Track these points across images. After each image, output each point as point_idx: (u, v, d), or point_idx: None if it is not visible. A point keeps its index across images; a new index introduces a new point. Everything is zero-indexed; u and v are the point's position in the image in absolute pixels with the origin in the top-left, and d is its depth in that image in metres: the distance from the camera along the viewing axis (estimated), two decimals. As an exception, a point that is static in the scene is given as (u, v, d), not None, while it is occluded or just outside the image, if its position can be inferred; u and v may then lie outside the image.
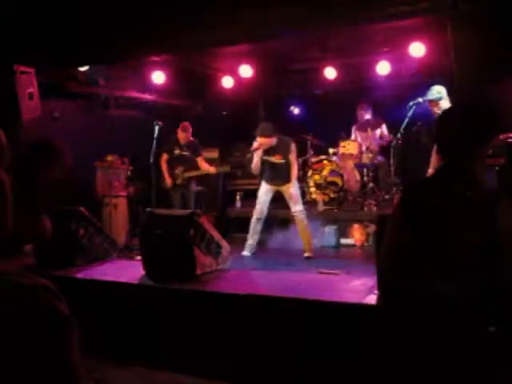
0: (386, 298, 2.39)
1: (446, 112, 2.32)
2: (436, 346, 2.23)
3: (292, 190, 6.21)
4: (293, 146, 6.27)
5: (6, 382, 0.83)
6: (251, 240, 6.29)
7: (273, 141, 6.13)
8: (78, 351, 0.90)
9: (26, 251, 5.85)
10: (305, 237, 6.15)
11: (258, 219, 6.28)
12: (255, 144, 6.13)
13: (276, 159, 6.20)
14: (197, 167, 6.98)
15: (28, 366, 0.84)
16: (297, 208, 6.18)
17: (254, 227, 6.30)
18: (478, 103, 2.42)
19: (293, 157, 6.26)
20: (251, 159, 6.31)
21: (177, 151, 6.89)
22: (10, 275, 0.89)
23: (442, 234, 2.11)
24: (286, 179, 6.24)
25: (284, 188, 6.26)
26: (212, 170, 7.04)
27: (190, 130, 7.01)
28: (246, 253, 6.23)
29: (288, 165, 6.22)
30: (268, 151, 6.21)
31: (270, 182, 6.31)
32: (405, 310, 2.26)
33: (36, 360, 0.85)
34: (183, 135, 6.93)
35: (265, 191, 6.31)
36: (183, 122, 7.02)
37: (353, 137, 7.96)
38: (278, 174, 6.23)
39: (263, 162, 6.22)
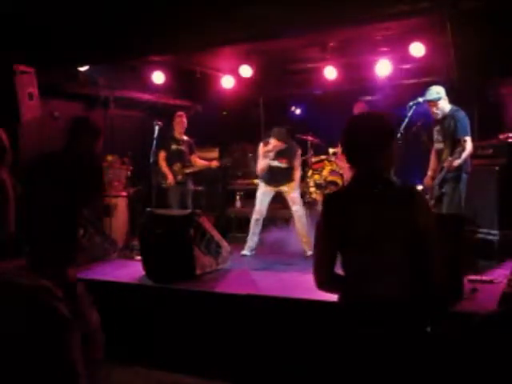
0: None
1: (348, 128, 2.39)
2: (379, 349, 2.26)
3: (294, 194, 6.33)
4: (299, 152, 6.40)
5: (6, 381, 0.83)
6: (251, 241, 6.28)
7: (283, 145, 6.24)
8: (77, 351, 0.90)
9: (27, 251, 5.86)
10: (303, 235, 6.16)
11: (257, 220, 6.29)
12: (270, 146, 6.21)
13: (282, 163, 6.29)
14: (195, 164, 6.94)
15: (28, 365, 0.84)
16: (297, 206, 6.29)
17: (254, 228, 6.31)
18: (373, 114, 2.65)
19: (297, 162, 6.38)
20: (256, 160, 6.37)
21: (174, 146, 6.80)
22: (10, 275, 0.89)
23: (371, 235, 2.20)
24: (286, 181, 6.32)
25: (285, 189, 6.33)
26: (214, 163, 6.95)
27: (184, 116, 6.91)
28: (245, 252, 6.23)
29: (291, 169, 6.32)
30: (274, 155, 6.30)
31: (269, 183, 6.36)
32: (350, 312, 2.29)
33: (36, 359, 0.85)
34: (177, 122, 6.82)
35: (263, 192, 6.35)
36: (179, 112, 6.97)
37: None
38: (279, 177, 6.32)
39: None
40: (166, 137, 6.78)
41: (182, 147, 6.84)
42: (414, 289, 2.19)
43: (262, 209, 6.32)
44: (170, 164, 6.76)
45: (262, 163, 6.34)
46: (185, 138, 6.91)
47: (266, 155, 6.30)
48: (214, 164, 6.96)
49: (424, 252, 2.21)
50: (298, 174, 6.39)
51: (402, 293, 2.18)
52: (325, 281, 2.34)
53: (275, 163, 6.30)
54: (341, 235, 2.26)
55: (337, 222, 2.28)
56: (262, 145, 6.37)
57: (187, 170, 6.83)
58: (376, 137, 2.27)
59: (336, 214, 2.30)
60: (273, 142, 6.22)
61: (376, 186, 2.26)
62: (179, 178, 6.77)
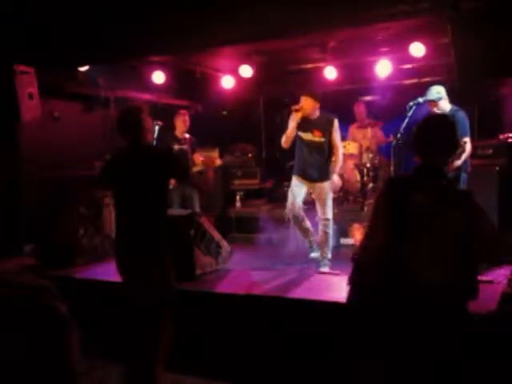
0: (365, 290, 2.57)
1: (424, 122, 2.67)
2: (429, 335, 2.43)
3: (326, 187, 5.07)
4: (336, 123, 5.11)
5: (5, 381, 0.83)
6: (307, 242, 5.38)
7: (316, 110, 5.04)
8: (77, 351, 0.90)
9: (26, 251, 5.87)
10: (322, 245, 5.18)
11: (294, 217, 5.19)
12: (296, 106, 5.05)
13: (314, 137, 5.05)
14: (197, 163, 6.79)
15: (27, 365, 0.84)
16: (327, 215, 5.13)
17: (298, 229, 5.30)
18: (448, 118, 2.85)
19: (337, 137, 5.10)
20: (282, 125, 5.32)
21: (176, 146, 6.66)
22: (10, 275, 0.89)
23: (424, 225, 2.39)
24: (323, 175, 5.07)
25: (317, 186, 5.11)
26: (217, 162, 6.81)
27: (187, 114, 6.81)
28: (313, 255, 5.32)
29: (329, 148, 5.05)
30: (304, 125, 5.06)
31: (302, 174, 5.15)
32: (392, 303, 2.44)
33: (35, 359, 0.85)
34: (181, 121, 6.69)
35: (298, 183, 5.18)
36: (181, 110, 6.87)
37: (350, 136, 7.96)
38: (314, 162, 5.07)
39: (296, 143, 5.13)
40: (167, 137, 6.69)
41: (185, 147, 6.69)
42: (464, 278, 2.39)
43: (294, 205, 5.13)
44: None
45: (288, 128, 5.04)
46: (187, 135, 6.79)
47: (292, 118, 5.04)
48: (218, 162, 6.85)
49: (482, 243, 2.40)
50: (339, 154, 5.11)
51: (454, 281, 2.37)
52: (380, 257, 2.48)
53: (307, 136, 5.05)
54: (400, 220, 2.42)
55: (395, 206, 2.45)
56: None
57: (191, 171, 6.72)
58: (451, 136, 2.56)
59: (395, 199, 2.48)
60: (302, 100, 5.01)
61: (441, 181, 2.48)
62: None
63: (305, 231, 5.28)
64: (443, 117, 3.07)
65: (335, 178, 5.13)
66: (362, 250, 2.58)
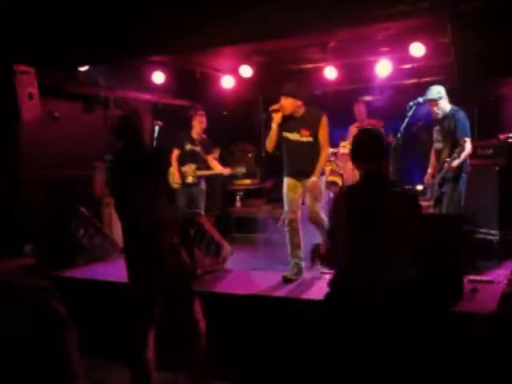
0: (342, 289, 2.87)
1: (355, 137, 3.12)
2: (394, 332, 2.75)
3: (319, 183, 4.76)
4: (324, 120, 4.78)
5: (4, 381, 0.83)
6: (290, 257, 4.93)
7: (298, 108, 4.79)
8: (75, 351, 0.90)
9: (26, 251, 5.87)
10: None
11: (290, 221, 4.83)
12: (275, 106, 4.82)
13: (302, 137, 4.76)
14: (208, 166, 6.63)
15: (26, 365, 0.84)
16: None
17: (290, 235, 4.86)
18: (374, 131, 3.39)
19: (324, 135, 4.75)
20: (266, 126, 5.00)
21: (188, 146, 6.52)
22: (9, 275, 0.89)
23: (372, 222, 2.77)
24: (312, 169, 4.71)
25: (310, 181, 4.72)
26: (226, 171, 6.63)
27: (204, 115, 6.64)
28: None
29: (317, 146, 4.71)
30: (290, 125, 4.82)
31: (293, 173, 4.84)
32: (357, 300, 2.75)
33: (34, 359, 0.85)
34: (198, 121, 6.54)
35: (291, 187, 4.83)
36: (199, 110, 6.67)
37: (350, 137, 7.95)
38: (305, 159, 4.73)
39: (283, 144, 4.86)
40: (181, 135, 6.55)
41: (197, 148, 6.57)
42: (410, 270, 2.75)
43: (291, 208, 4.82)
44: (181, 164, 6.51)
45: (271, 131, 4.80)
46: (203, 136, 6.64)
47: (273, 121, 4.80)
48: (227, 172, 6.62)
49: (418, 238, 2.84)
50: (324, 152, 4.76)
51: (401, 274, 2.72)
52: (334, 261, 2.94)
53: (293, 136, 4.74)
54: (353, 223, 2.81)
55: (352, 212, 2.82)
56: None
57: (200, 173, 6.56)
58: (378, 146, 2.96)
59: (350, 205, 2.85)
60: (281, 101, 4.77)
61: (385, 185, 2.88)
62: (189, 179, 6.48)
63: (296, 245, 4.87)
64: (370, 131, 3.72)
65: (314, 178, 4.66)
66: (328, 253, 2.99)
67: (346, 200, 2.91)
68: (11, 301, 0.88)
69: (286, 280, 4.70)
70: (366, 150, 2.91)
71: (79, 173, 6.71)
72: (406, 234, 2.77)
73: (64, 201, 6.19)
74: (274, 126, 4.79)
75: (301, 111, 4.79)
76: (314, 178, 4.67)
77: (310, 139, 4.74)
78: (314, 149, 4.73)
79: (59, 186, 6.47)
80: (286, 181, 4.86)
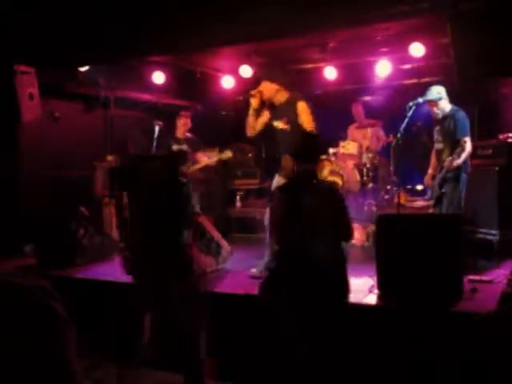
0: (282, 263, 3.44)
1: (303, 139, 3.83)
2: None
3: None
4: (301, 105, 4.49)
5: (4, 381, 0.83)
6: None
7: (278, 93, 4.58)
8: (74, 351, 0.91)
9: (26, 251, 5.87)
10: None
11: None
12: (254, 90, 4.66)
13: (284, 125, 4.53)
14: (196, 162, 6.68)
15: (24, 365, 0.84)
16: None
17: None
18: (313, 135, 4.16)
19: (306, 120, 4.45)
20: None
21: (174, 146, 6.54)
22: (7, 275, 0.90)
23: (306, 215, 3.25)
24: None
25: None
26: (214, 159, 6.61)
27: (189, 116, 6.70)
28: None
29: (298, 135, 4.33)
30: (275, 113, 4.60)
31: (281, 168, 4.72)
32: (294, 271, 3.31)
33: (32, 359, 0.85)
34: (182, 124, 6.60)
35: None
36: (183, 111, 6.77)
37: (349, 137, 7.95)
38: (285, 150, 4.47)
39: (272, 134, 4.70)
40: (168, 136, 6.66)
41: (184, 146, 6.61)
42: (335, 249, 3.37)
43: None
44: None
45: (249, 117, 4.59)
46: (188, 135, 6.70)
47: (251, 106, 4.60)
48: (214, 159, 6.70)
49: (342, 225, 3.38)
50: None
51: (328, 252, 3.31)
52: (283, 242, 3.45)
53: (278, 125, 4.53)
54: (290, 215, 3.32)
55: (291, 205, 3.31)
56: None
57: (189, 171, 6.69)
58: (313, 149, 3.56)
59: (289, 199, 3.35)
60: (262, 85, 4.57)
61: (313, 180, 3.40)
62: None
63: None
64: (309, 134, 4.17)
65: None
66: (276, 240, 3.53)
67: (283, 194, 3.45)
68: (8, 301, 0.88)
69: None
70: (308, 152, 3.42)
71: (79, 173, 6.71)
72: (333, 222, 3.29)
73: (64, 201, 6.19)
74: (251, 111, 4.70)
75: (282, 97, 4.60)
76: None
77: (286, 127, 4.55)
78: (293, 138, 4.36)
79: (59, 185, 6.48)
80: (276, 178, 4.81)
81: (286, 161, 4.36)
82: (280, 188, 3.69)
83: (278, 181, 4.77)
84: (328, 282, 3.28)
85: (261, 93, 4.60)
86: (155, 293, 3.72)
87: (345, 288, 3.41)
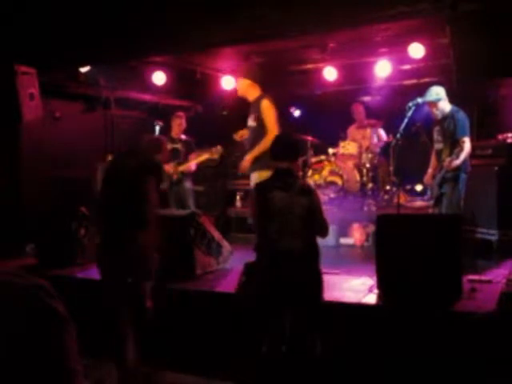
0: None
1: (274, 140, 3.73)
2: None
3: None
4: (264, 103, 4.41)
5: (4, 381, 0.84)
6: None
7: (250, 89, 4.54)
8: (75, 351, 0.91)
9: (27, 251, 5.88)
10: None
11: None
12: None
13: (250, 121, 4.49)
14: (188, 160, 6.67)
15: (24, 365, 0.85)
16: None
17: None
18: (290, 136, 4.05)
19: (267, 118, 4.37)
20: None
21: (169, 146, 6.62)
22: (6, 275, 0.90)
23: (281, 211, 3.37)
24: (255, 165, 4.48)
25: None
26: (204, 156, 6.56)
27: (184, 117, 6.76)
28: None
29: (261, 133, 4.29)
30: (250, 110, 4.60)
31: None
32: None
33: (32, 360, 0.86)
34: (176, 124, 6.65)
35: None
36: (178, 112, 6.83)
37: (349, 137, 7.96)
38: (251, 147, 4.54)
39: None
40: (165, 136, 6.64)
41: (178, 146, 6.63)
42: (308, 245, 3.42)
43: None
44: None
45: None
46: (183, 137, 6.75)
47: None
48: (205, 156, 6.51)
49: (317, 221, 3.45)
50: (262, 144, 4.28)
51: (301, 247, 3.38)
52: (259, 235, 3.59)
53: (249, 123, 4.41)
54: (263, 212, 3.45)
55: (265, 202, 3.42)
56: None
57: (181, 168, 6.60)
58: (292, 148, 3.57)
59: (264, 197, 3.45)
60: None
61: (290, 178, 3.45)
62: (174, 177, 6.53)
63: None
64: (286, 135, 4.16)
65: (243, 162, 4.45)
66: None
67: (257, 192, 3.56)
68: (7, 300, 0.88)
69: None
70: (282, 151, 3.48)
71: (79, 173, 6.72)
72: (306, 219, 3.36)
73: (64, 201, 6.20)
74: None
75: (254, 95, 4.56)
76: (243, 162, 4.57)
77: (253, 124, 4.54)
78: (258, 135, 4.41)
79: (59, 185, 6.49)
80: (254, 175, 4.76)
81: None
82: (255, 186, 3.77)
83: (255, 178, 4.73)
84: (299, 278, 3.37)
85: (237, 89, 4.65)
86: (117, 292, 3.83)
87: (317, 283, 3.49)
